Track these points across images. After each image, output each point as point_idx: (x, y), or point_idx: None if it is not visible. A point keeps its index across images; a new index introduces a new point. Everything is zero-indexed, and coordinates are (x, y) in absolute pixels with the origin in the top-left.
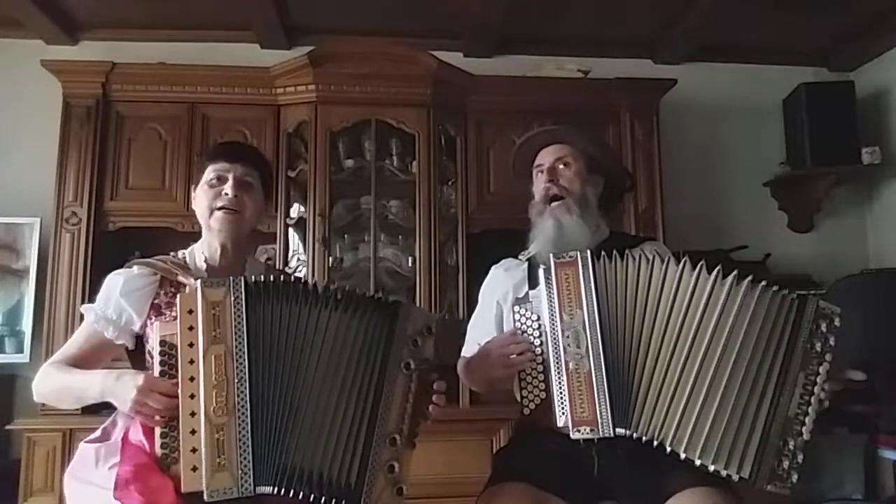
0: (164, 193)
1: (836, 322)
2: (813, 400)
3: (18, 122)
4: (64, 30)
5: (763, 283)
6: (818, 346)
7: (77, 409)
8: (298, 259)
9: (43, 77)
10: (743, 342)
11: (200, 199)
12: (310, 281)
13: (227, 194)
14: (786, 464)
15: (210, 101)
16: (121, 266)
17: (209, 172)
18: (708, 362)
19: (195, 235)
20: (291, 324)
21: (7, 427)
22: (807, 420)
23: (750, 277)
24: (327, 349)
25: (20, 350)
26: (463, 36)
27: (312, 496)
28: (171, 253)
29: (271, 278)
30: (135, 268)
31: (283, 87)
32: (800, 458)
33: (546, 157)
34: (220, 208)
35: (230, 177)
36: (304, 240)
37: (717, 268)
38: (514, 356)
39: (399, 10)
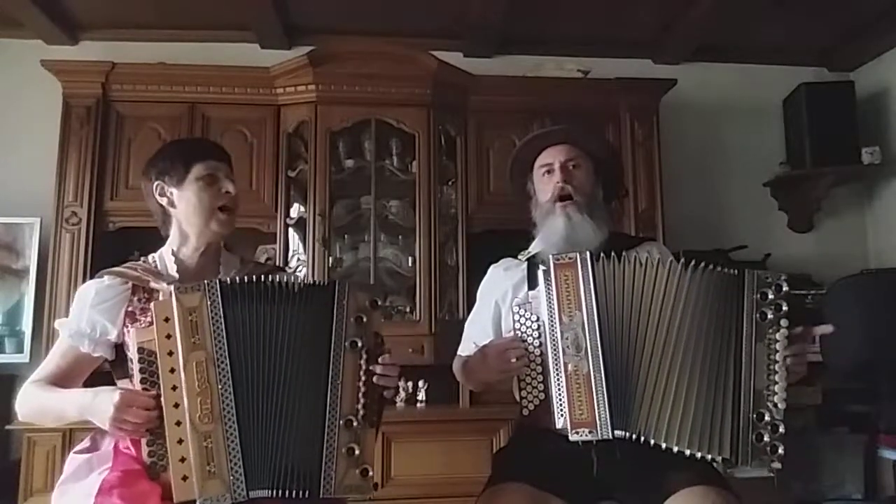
0: None
1: (785, 287)
2: (778, 368)
3: (18, 122)
4: (64, 30)
5: (711, 266)
6: (770, 315)
7: None
8: (298, 259)
9: (43, 77)
10: (702, 326)
11: (193, 198)
12: (281, 278)
13: (228, 193)
14: (766, 437)
15: (210, 101)
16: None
17: (200, 170)
18: (685, 353)
19: None
20: (264, 323)
21: (7, 427)
22: (777, 389)
23: (705, 265)
24: (290, 343)
25: (20, 350)
26: (463, 36)
27: (282, 491)
28: (142, 258)
29: (244, 278)
30: (105, 278)
31: (283, 87)
32: (781, 429)
33: (554, 156)
34: (222, 208)
35: (222, 175)
36: (304, 240)
37: (692, 262)
38: (512, 361)
39: (399, 10)
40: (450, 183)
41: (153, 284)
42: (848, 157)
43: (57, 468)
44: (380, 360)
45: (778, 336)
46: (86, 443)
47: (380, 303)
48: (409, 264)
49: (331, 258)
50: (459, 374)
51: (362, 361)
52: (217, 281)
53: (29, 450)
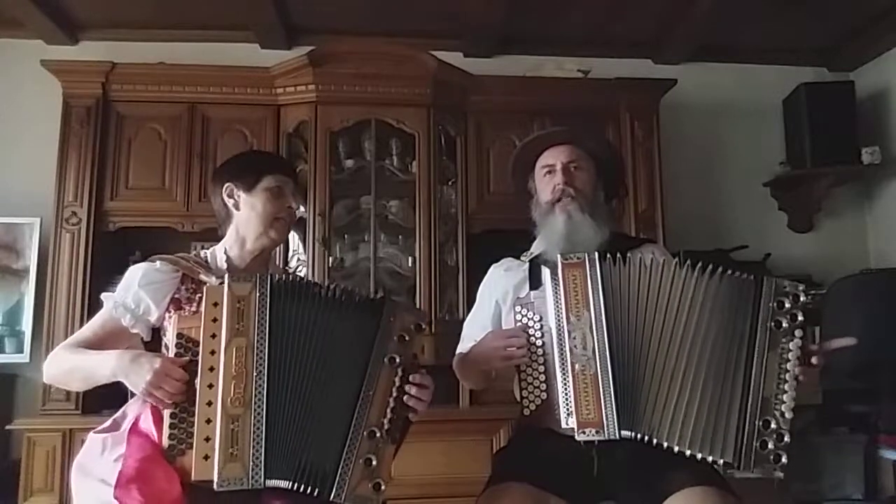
0: (164, 193)
1: (802, 297)
2: (788, 377)
3: (18, 122)
4: (64, 30)
5: (728, 270)
6: (785, 324)
7: (77, 409)
8: (298, 259)
9: (43, 77)
10: (712, 330)
11: (258, 204)
12: (324, 284)
13: (291, 207)
14: (770, 445)
15: (210, 101)
16: (120, 266)
17: (270, 181)
18: (691, 355)
19: (195, 235)
20: (308, 323)
21: (7, 427)
22: (786, 398)
23: (721, 269)
24: (330, 347)
25: (20, 350)
26: (463, 36)
27: (297, 486)
28: (194, 252)
29: (296, 278)
30: (157, 263)
31: (283, 87)
32: (786, 438)
33: (556, 157)
34: (280, 219)
35: (288, 191)
36: (304, 240)
37: (698, 263)
38: (514, 349)
39: (399, 10)
40: (450, 183)
41: (203, 276)
42: (848, 157)
43: (57, 468)
44: (415, 379)
45: (791, 346)
46: (106, 423)
47: (423, 327)
48: (409, 264)
49: (331, 258)
50: (459, 368)
51: (397, 378)
52: (269, 276)
53: (29, 450)
